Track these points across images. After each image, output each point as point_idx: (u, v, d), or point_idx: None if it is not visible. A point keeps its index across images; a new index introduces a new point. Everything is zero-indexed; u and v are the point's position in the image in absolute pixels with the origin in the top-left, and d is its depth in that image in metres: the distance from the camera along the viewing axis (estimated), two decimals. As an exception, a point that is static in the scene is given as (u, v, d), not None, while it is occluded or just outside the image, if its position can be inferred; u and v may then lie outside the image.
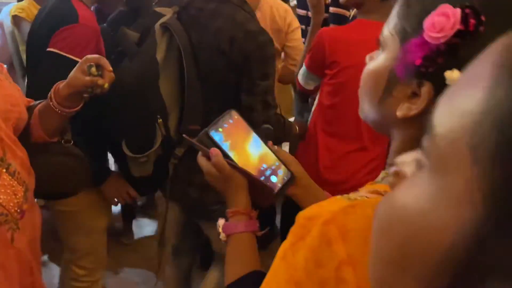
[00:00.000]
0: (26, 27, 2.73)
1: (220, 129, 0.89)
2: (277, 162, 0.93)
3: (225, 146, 0.88)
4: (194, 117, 1.56)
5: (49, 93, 1.26)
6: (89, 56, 1.25)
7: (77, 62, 1.29)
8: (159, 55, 1.51)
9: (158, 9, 1.60)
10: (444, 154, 0.26)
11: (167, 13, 1.57)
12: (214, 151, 0.87)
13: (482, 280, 0.23)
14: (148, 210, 3.31)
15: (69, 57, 1.51)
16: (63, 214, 1.78)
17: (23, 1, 2.91)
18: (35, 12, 2.86)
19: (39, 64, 1.60)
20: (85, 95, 1.27)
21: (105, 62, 1.25)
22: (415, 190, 0.27)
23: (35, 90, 1.63)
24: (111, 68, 1.26)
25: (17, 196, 1.16)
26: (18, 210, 1.17)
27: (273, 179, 0.91)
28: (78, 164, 1.49)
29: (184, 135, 0.91)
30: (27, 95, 1.43)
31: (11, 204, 1.14)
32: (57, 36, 1.54)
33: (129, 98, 1.49)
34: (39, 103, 1.32)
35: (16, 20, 2.80)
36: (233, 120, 0.92)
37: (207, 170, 0.88)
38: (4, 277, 1.15)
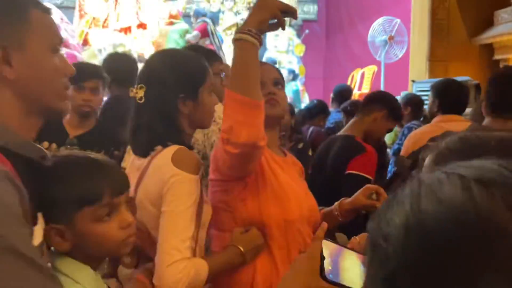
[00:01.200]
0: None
1: (330, 266, 0.89)
2: None
3: (338, 278, 0.88)
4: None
5: (335, 206, 1.70)
6: (369, 185, 1.72)
7: (369, 179, 1.78)
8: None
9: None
10: None
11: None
12: None
13: None
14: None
15: (365, 176, 2.11)
16: None
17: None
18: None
19: (339, 186, 2.12)
20: (362, 211, 1.75)
21: (382, 191, 1.68)
22: None
23: None
24: (386, 196, 1.68)
25: None
26: None
27: None
28: None
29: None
30: None
31: None
32: (353, 162, 2.16)
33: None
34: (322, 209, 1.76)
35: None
36: (329, 249, 0.93)
37: None
38: None
